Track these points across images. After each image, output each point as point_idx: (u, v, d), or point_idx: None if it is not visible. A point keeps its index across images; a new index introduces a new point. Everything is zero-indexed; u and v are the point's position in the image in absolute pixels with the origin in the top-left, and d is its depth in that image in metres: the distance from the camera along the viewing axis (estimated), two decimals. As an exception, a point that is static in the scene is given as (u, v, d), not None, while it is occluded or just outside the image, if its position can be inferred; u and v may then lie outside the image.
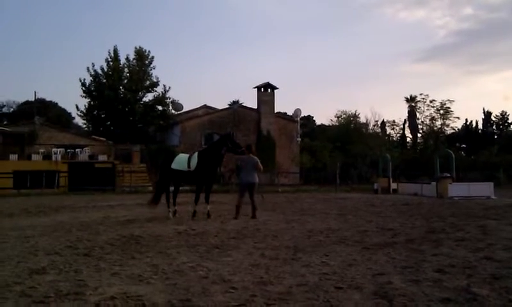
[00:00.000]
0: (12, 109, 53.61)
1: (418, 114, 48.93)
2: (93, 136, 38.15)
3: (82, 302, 4.22)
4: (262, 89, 39.06)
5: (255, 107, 39.38)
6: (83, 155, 31.24)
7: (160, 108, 42.06)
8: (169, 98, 41.61)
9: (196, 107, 44.48)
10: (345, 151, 37.84)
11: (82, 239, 8.02)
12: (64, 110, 54.51)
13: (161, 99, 41.58)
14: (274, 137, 38.30)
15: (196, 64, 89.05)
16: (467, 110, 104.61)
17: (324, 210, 14.09)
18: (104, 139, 37.28)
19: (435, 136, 47.08)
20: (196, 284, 4.77)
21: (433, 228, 9.30)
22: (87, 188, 26.45)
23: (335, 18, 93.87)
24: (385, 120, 50.42)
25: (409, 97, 49.02)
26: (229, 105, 43.64)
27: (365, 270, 5.39)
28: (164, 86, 41.48)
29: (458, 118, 49.25)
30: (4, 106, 54.09)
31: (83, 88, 39.96)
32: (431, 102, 46.90)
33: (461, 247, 6.96)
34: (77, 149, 31.55)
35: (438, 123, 47.71)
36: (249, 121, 38.66)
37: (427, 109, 47.66)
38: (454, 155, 23.67)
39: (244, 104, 43.03)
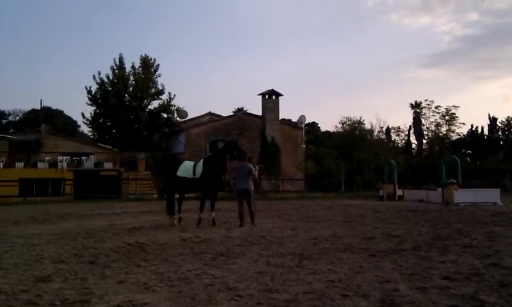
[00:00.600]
0: (18, 117, 54.07)
1: (423, 120, 48.81)
2: (99, 144, 38.30)
3: (88, 310, 4.22)
4: (267, 96, 39.09)
5: (260, 114, 39.41)
6: (89, 163, 31.35)
7: (165, 115, 42.31)
8: (174, 106, 41.93)
9: (200, 114, 44.56)
10: (350, 158, 37.74)
11: (88, 247, 8.04)
12: (70, 118, 54.97)
13: (166, 106, 41.81)
14: (279, 143, 38.27)
15: (201, 71, 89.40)
16: (473, 116, 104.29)
17: (329, 216, 14.04)
18: (110, 146, 37.42)
19: (440, 142, 46.89)
20: (201, 292, 4.76)
21: (440, 235, 9.25)
22: (92, 195, 26.53)
23: (339, 24, 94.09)
24: (390, 126, 50.36)
25: (414, 103, 48.93)
26: (234, 112, 43.71)
27: (371, 278, 5.36)
28: (169, 93, 41.83)
29: (464, 123, 49.00)
30: (10, 114, 54.63)
31: (89, 96, 40.33)
32: (436, 107, 46.77)
33: (468, 254, 6.92)
34: (82, 157, 31.67)
35: (444, 129, 47.56)
36: (253, 128, 38.69)
37: (433, 115, 47.54)
38: (459, 161, 23.55)
39: (248, 111, 43.13)
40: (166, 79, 78.95)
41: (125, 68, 40.96)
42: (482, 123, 62.06)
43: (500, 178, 32.90)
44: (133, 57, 65.84)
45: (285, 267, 6.08)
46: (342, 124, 50.49)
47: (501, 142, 52.43)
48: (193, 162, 11.79)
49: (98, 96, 40.36)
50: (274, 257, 6.79)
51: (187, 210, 13.17)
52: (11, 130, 43.92)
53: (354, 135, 45.76)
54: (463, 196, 20.33)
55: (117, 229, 10.98)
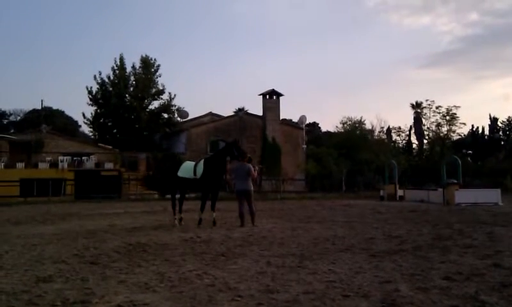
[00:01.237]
0: (19, 118, 54.14)
1: (424, 120, 48.77)
2: (99, 144, 38.34)
3: (89, 311, 4.23)
4: (268, 96, 39.13)
5: (261, 114, 39.44)
6: (89, 163, 31.34)
7: (166, 115, 42.34)
8: (175, 106, 41.99)
9: (201, 114, 44.63)
10: (350, 158, 37.74)
11: (89, 247, 8.04)
12: (70, 118, 55.03)
13: (167, 107, 41.85)
14: (280, 143, 38.29)
15: (201, 71, 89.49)
16: (473, 116, 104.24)
17: (330, 217, 14.04)
18: (110, 146, 37.46)
19: (441, 142, 46.87)
20: (202, 292, 4.76)
21: (440, 235, 9.24)
22: (93, 196, 26.52)
23: (340, 24, 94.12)
24: (391, 126, 50.36)
25: (414, 103, 48.86)
26: (234, 112, 43.70)
27: (372, 278, 5.36)
28: (170, 93, 41.89)
29: (464, 123, 48.97)
30: (11, 114, 54.66)
31: (90, 96, 40.42)
32: (437, 108, 46.73)
33: (468, 254, 6.91)
34: (83, 157, 31.68)
35: (444, 129, 47.54)
36: (254, 128, 38.73)
37: (433, 115, 47.50)
38: (460, 161, 23.53)
39: (249, 111, 43.13)
40: (166, 79, 79.29)
41: (125, 68, 41.04)
42: (483, 123, 62.01)
43: (501, 178, 32.89)
44: (134, 57, 66.07)
45: (286, 267, 6.08)
46: (343, 124, 50.53)
47: (502, 143, 52.39)
48: (194, 162, 11.78)
49: (98, 97, 40.43)
50: (274, 257, 6.79)
51: (187, 210, 13.17)
52: (12, 130, 43.99)
53: (355, 135, 45.75)
54: (463, 196, 20.30)
55: (118, 229, 10.98)
